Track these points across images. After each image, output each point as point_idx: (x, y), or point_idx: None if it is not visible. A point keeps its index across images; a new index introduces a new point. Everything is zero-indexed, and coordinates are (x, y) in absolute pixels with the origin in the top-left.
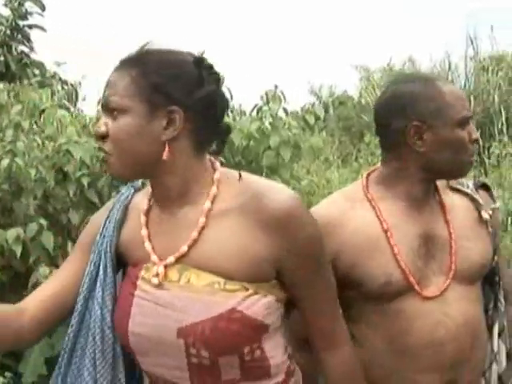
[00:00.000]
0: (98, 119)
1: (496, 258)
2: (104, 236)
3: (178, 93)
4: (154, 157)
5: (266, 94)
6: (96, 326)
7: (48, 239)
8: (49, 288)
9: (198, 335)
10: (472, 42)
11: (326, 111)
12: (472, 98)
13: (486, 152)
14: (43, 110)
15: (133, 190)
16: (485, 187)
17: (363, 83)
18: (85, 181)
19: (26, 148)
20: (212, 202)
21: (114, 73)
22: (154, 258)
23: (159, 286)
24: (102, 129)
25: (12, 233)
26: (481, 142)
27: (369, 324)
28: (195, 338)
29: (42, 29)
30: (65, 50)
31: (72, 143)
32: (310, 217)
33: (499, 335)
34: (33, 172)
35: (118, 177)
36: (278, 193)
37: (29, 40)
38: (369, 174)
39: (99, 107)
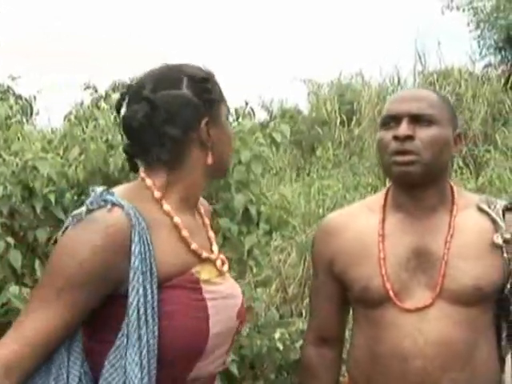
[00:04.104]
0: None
1: (510, 285)
2: (140, 260)
3: None
4: None
5: (237, 111)
6: (151, 359)
7: (16, 258)
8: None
9: (243, 311)
10: (420, 58)
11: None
12: None
13: None
14: (7, 125)
15: (130, 207)
16: None
17: (312, 97)
18: (52, 197)
19: None
20: None
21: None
22: (212, 256)
23: (220, 280)
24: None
25: None
26: None
27: (357, 326)
28: (243, 314)
29: None
30: (16, 63)
31: (38, 159)
32: None
33: None
34: (0, 189)
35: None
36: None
37: None
38: None
39: None
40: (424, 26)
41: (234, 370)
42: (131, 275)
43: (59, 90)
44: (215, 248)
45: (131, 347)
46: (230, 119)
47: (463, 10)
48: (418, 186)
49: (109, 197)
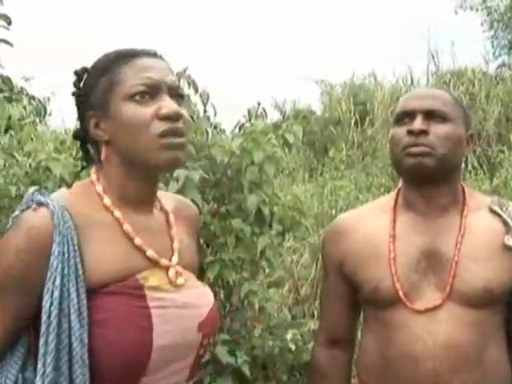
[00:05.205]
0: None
1: None
2: (61, 261)
3: None
4: None
5: (249, 112)
6: (79, 369)
7: None
8: None
9: (211, 324)
10: (433, 58)
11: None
12: None
13: None
14: (21, 126)
15: (56, 201)
16: None
17: (325, 98)
18: None
19: (5, 165)
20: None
21: (161, 61)
22: (164, 261)
23: (175, 288)
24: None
25: None
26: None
27: (367, 328)
28: (210, 327)
29: (9, 43)
30: (30, 64)
31: (51, 160)
32: None
33: None
34: (13, 189)
35: (183, 162)
36: (190, 202)
37: None
38: None
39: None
40: (437, 26)
41: (246, 370)
42: (48, 276)
43: (59, 90)
44: (175, 259)
45: (40, 353)
46: (243, 119)
47: (476, 10)
48: (429, 181)
49: (37, 197)
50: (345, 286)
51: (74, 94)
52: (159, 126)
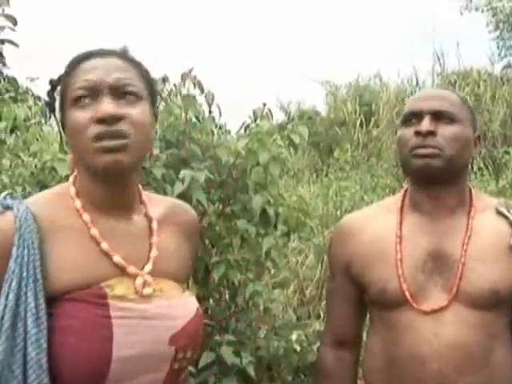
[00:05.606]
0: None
1: None
2: (20, 264)
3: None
4: (147, 152)
5: (254, 112)
6: (34, 374)
7: None
8: None
9: (188, 336)
10: (439, 59)
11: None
12: None
13: None
14: (27, 126)
15: (24, 205)
16: None
17: (330, 99)
18: None
19: (11, 165)
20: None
21: (111, 59)
22: (131, 269)
23: (144, 298)
24: (122, 111)
25: None
26: None
27: (373, 330)
28: (185, 340)
29: (14, 44)
30: (35, 64)
31: (57, 160)
32: None
33: None
34: (19, 190)
35: (127, 165)
36: (188, 206)
37: (1, 55)
38: None
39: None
40: (442, 26)
41: (251, 371)
42: (5, 279)
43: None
44: (148, 267)
45: None
46: (248, 120)
47: (482, 11)
48: (436, 182)
49: (6, 200)
50: (351, 286)
51: (46, 103)
52: (94, 130)
